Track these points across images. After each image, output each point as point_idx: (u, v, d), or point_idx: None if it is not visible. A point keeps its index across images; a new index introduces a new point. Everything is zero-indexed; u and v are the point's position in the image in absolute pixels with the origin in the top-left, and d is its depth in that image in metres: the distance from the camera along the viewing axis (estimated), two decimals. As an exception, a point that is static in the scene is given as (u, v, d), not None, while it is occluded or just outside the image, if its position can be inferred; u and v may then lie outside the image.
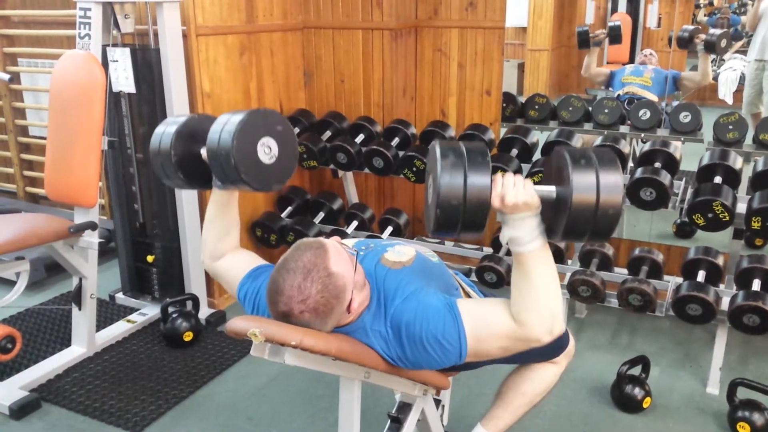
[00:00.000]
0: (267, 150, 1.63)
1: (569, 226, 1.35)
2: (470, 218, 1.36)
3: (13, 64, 4.23)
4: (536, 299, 1.44)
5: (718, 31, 3.62)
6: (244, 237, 1.79)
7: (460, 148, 1.38)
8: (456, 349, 1.48)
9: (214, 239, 1.77)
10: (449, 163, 1.35)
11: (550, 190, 1.42)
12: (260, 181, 1.63)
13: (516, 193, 1.39)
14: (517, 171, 2.87)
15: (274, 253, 3.53)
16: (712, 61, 4.47)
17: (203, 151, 1.67)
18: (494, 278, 2.98)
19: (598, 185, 1.32)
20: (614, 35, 3.97)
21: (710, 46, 3.57)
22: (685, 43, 3.62)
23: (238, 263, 1.75)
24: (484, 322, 1.50)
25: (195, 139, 1.72)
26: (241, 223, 1.84)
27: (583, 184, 1.32)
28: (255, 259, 1.78)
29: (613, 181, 1.33)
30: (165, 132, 1.72)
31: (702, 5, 4.38)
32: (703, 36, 3.57)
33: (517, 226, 1.42)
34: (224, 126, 1.58)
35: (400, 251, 1.71)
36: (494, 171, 2.79)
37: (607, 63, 4.19)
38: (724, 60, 4.43)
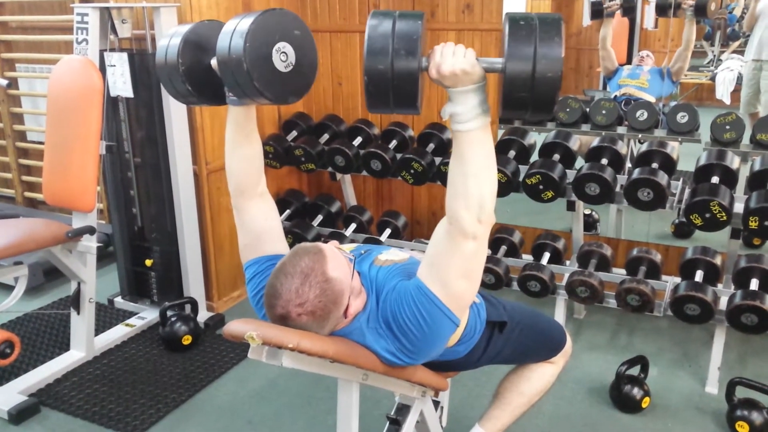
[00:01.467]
0: (283, 57, 1.47)
1: (506, 93, 1.27)
2: (399, 84, 1.28)
3: (11, 69, 4.24)
4: (465, 185, 1.36)
5: None
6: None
7: (393, 12, 1.31)
8: (437, 311, 1.44)
9: (238, 169, 1.66)
10: (378, 25, 1.28)
11: (495, 60, 1.31)
12: (275, 91, 1.48)
13: (454, 61, 1.30)
14: (513, 174, 2.87)
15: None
16: (708, 62, 4.49)
17: (213, 62, 1.53)
18: (492, 279, 2.98)
19: (535, 51, 1.24)
20: (628, 6, 3.90)
21: (700, 10, 3.48)
22: (670, 9, 3.51)
23: (260, 220, 1.69)
24: (434, 261, 1.45)
25: (204, 49, 1.58)
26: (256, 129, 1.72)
27: (520, 49, 1.24)
28: (277, 227, 1.72)
29: (553, 48, 1.24)
30: (172, 40, 1.56)
31: None
32: (691, 1, 3.50)
33: (458, 100, 1.33)
34: (235, 29, 1.42)
35: (394, 253, 1.72)
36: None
37: (621, 16, 4.14)
38: (721, 60, 4.45)
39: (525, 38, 1.26)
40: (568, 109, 3.28)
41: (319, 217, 3.54)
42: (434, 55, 1.32)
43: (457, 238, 1.40)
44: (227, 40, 1.42)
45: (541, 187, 2.77)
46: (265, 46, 1.44)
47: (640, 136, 3.22)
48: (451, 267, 1.42)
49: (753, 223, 2.48)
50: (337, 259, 1.48)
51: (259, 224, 1.68)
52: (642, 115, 3.13)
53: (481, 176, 1.36)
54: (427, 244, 3.51)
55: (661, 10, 3.63)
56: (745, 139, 2.94)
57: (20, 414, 2.51)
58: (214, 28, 1.59)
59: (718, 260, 2.75)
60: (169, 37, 1.58)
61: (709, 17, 3.72)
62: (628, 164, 3.13)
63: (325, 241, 1.57)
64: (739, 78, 4.27)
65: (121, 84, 2.92)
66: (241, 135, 1.63)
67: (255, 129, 1.65)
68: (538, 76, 1.25)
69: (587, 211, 3.79)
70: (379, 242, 3.32)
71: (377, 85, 1.30)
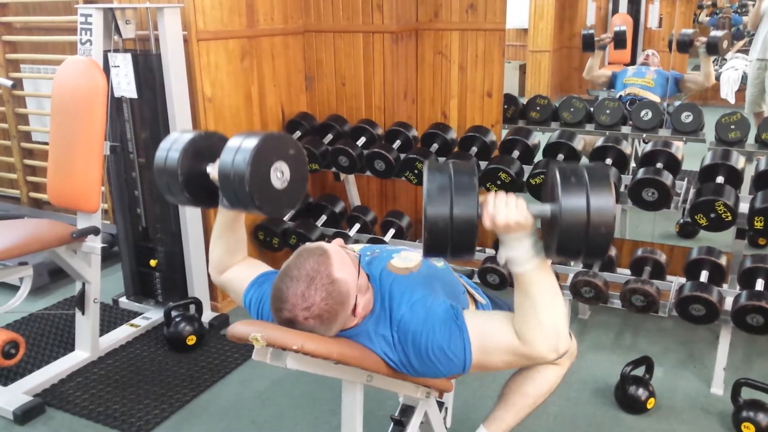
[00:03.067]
0: (279, 174, 1.60)
1: (561, 244, 1.33)
2: (458, 240, 1.34)
3: (16, 70, 4.25)
4: (539, 318, 1.42)
5: (719, 33, 3.61)
6: (247, 241, 1.80)
7: (447, 169, 1.37)
8: (461, 361, 1.48)
9: (221, 255, 1.77)
10: (436, 185, 1.34)
11: (544, 208, 1.39)
12: (272, 207, 1.61)
13: (508, 213, 1.37)
14: (517, 174, 2.87)
15: (276, 256, 3.53)
16: (714, 61, 4.47)
17: (209, 169, 1.65)
18: (497, 280, 2.98)
19: (588, 204, 1.30)
20: (620, 39, 3.97)
21: (712, 48, 3.56)
22: (686, 46, 3.60)
23: (243, 272, 1.75)
24: (489, 336, 1.49)
25: (201, 157, 1.68)
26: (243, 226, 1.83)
27: (573, 202, 1.30)
28: (260, 267, 1.78)
29: (604, 201, 1.30)
30: (171, 150, 1.67)
31: (704, 6, 4.37)
32: (703, 39, 3.56)
33: (512, 245, 1.41)
34: (237, 151, 1.53)
35: (406, 257, 1.71)
36: (495, 173, 2.80)
37: (609, 63, 4.19)
38: (726, 59, 4.43)
39: (576, 190, 1.31)
40: (572, 109, 3.27)
41: (323, 218, 3.54)
42: (487, 205, 1.38)
43: (524, 355, 1.46)
44: (230, 157, 1.53)
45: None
46: (265, 166, 1.56)
47: (644, 135, 3.21)
48: (503, 358, 1.50)
49: (758, 224, 2.47)
50: (341, 258, 1.48)
51: (247, 277, 1.73)
52: (646, 114, 3.12)
53: (552, 307, 1.43)
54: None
55: (680, 47, 3.67)
56: (750, 139, 2.93)
57: (25, 414, 2.52)
58: (211, 138, 1.72)
59: (723, 260, 2.74)
60: (167, 149, 1.67)
61: (720, 54, 3.81)
62: (633, 164, 3.12)
63: (329, 240, 1.57)
64: (744, 77, 4.25)
65: (125, 84, 2.93)
66: (227, 231, 1.75)
67: (242, 225, 1.77)
68: (592, 231, 1.30)
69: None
70: (383, 243, 3.32)
71: (437, 239, 1.35)
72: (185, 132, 1.72)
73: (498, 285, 2.99)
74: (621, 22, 4.08)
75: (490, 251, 3.27)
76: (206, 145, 1.69)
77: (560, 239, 1.32)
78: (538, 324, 1.42)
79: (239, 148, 1.53)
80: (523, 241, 1.40)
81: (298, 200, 1.68)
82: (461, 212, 1.32)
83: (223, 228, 1.75)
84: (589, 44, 3.93)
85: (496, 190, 1.42)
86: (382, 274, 1.63)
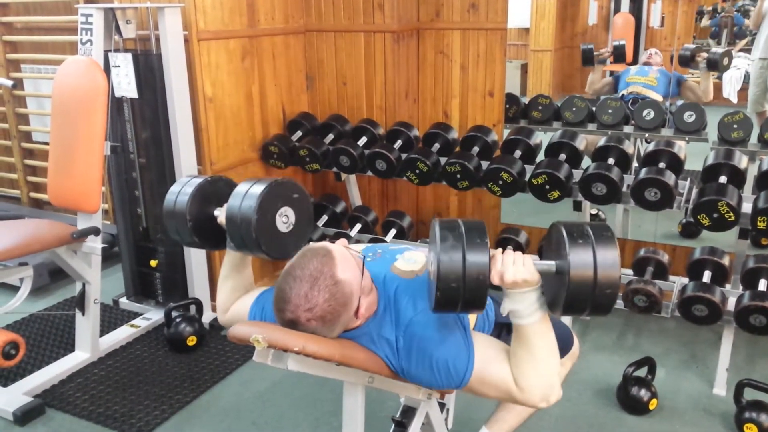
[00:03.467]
0: (285, 219, 1.67)
1: (569, 301, 1.34)
2: (470, 297, 1.36)
3: (17, 70, 4.24)
4: (535, 369, 1.45)
5: (720, 50, 3.61)
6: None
7: (459, 228, 1.39)
8: (459, 379, 1.49)
9: (227, 294, 1.79)
10: (448, 245, 1.35)
11: (550, 264, 1.41)
12: (279, 251, 1.67)
13: (515, 270, 1.39)
14: (519, 174, 2.86)
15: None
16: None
17: (217, 213, 1.72)
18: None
19: (595, 263, 1.32)
20: (619, 54, 3.96)
21: (712, 65, 3.55)
22: (687, 61, 3.60)
23: (246, 300, 1.76)
24: (489, 369, 1.50)
25: (208, 201, 1.76)
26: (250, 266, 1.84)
27: (581, 261, 1.32)
28: (260, 290, 1.78)
29: (611, 259, 1.32)
30: (180, 195, 1.74)
31: (705, 12, 4.38)
32: (705, 54, 3.55)
33: (517, 299, 1.42)
34: (245, 197, 1.61)
35: (411, 258, 1.69)
36: (497, 173, 2.79)
37: (611, 63, 4.17)
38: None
39: (583, 249, 1.33)
40: (574, 109, 3.26)
41: (324, 218, 3.53)
42: (495, 262, 1.40)
43: (516, 399, 1.49)
44: (238, 203, 1.62)
45: (547, 187, 2.76)
46: (271, 213, 1.64)
47: (646, 135, 3.20)
48: (495, 393, 1.52)
49: (761, 224, 2.46)
50: (345, 259, 1.47)
51: (249, 304, 1.73)
52: (649, 114, 3.11)
53: (550, 360, 1.46)
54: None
55: (681, 61, 3.67)
56: (753, 138, 2.92)
57: (25, 415, 2.51)
58: (217, 182, 1.80)
59: (726, 261, 2.73)
60: (176, 194, 1.75)
61: (720, 72, 3.81)
62: (635, 164, 3.11)
63: (333, 241, 1.56)
64: (747, 76, 4.24)
65: (126, 84, 2.92)
66: (234, 272, 1.77)
67: (249, 267, 1.79)
68: (599, 289, 1.32)
69: (594, 211, 3.78)
70: (384, 243, 3.31)
71: (449, 296, 1.37)
72: (194, 177, 1.80)
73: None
74: (623, 21, 4.07)
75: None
76: (213, 190, 1.77)
77: (568, 296, 1.34)
78: (534, 374, 1.45)
79: (246, 193, 1.62)
80: (527, 296, 1.42)
81: (304, 242, 1.71)
82: (474, 271, 1.34)
83: (231, 269, 1.77)
84: (588, 59, 3.93)
85: (503, 249, 1.43)
86: (386, 277, 1.61)
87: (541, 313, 1.43)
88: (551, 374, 1.46)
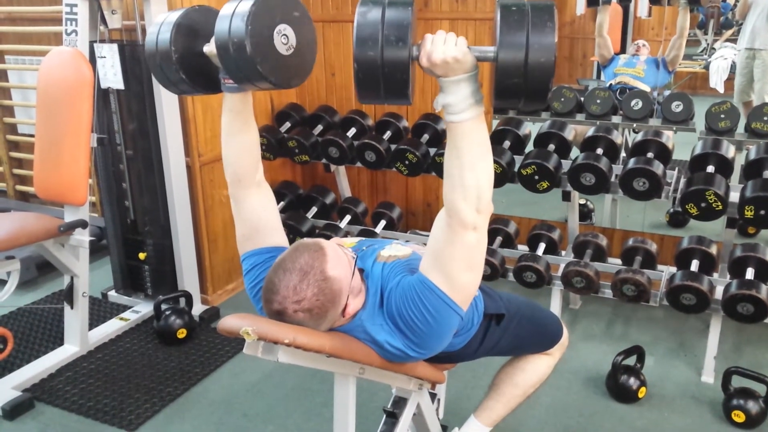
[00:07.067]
0: (284, 39, 1.43)
1: (499, 82, 1.26)
2: (390, 75, 1.26)
3: (1, 61, 4.19)
4: (461, 177, 1.35)
5: None
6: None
7: (382, 0, 1.29)
8: (442, 304, 1.43)
9: (235, 157, 1.63)
10: (367, 13, 1.26)
11: (488, 49, 1.29)
12: (279, 75, 1.43)
13: (446, 49, 1.28)
14: (508, 164, 2.86)
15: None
16: (702, 50, 4.48)
17: (206, 48, 1.51)
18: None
19: (527, 36, 1.22)
20: None
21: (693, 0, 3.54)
22: None
23: (258, 211, 1.66)
24: (436, 255, 1.44)
25: (197, 35, 1.53)
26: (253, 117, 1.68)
27: (512, 35, 1.22)
28: (275, 217, 1.69)
29: (546, 35, 1.22)
30: (162, 27, 1.51)
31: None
32: None
33: (450, 90, 1.31)
34: (234, 12, 1.38)
35: (396, 248, 1.70)
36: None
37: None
38: (715, 49, 4.44)
39: (517, 25, 1.24)
40: (562, 99, 3.26)
41: (314, 209, 3.52)
42: (425, 43, 1.30)
43: (457, 230, 1.38)
44: (226, 24, 1.37)
45: (536, 177, 2.76)
46: (267, 29, 1.39)
47: (634, 125, 3.21)
48: (454, 259, 1.41)
49: (748, 213, 2.48)
50: (337, 257, 1.46)
51: (257, 215, 1.65)
52: (637, 104, 3.12)
53: (478, 167, 1.35)
54: (422, 235, 3.52)
55: None
56: (740, 128, 2.94)
57: (14, 410, 2.49)
58: (205, 14, 1.56)
59: (713, 250, 2.75)
60: (158, 24, 1.53)
61: (702, 5, 3.74)
62: (623, 154, 3.12)
63: (328, 238, 1.55)
64: (733, 66, 4.27)
65: (112, 75, 2.89)
66: (238, 122, 1.60)
67: (252, 115, 1.62)
68: (531, 63, 1.23)
69: (582, 201, 3.79)
70: (374, 234, 3.31)
71: (367, 74, 1.28)
72: (177, 10, 1.57)
73: (489, 276, 2.99)
74: (611, 12, 4.06)
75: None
76: (202, 21, 1.55)
77: (498, 76, 1.25)
78: (459, 183, 1.35)
79: (234, 10, 1.38)
80: (461, 85, 1.31)
81: (309, 70, 1.53)
82: (393, 48, 1.24)
83: (231, 119, 1.59)
84: None
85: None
86: (373, 266, 1.61)
87: (477, 109, 1.32)
88: (479, 182, 1.35)
